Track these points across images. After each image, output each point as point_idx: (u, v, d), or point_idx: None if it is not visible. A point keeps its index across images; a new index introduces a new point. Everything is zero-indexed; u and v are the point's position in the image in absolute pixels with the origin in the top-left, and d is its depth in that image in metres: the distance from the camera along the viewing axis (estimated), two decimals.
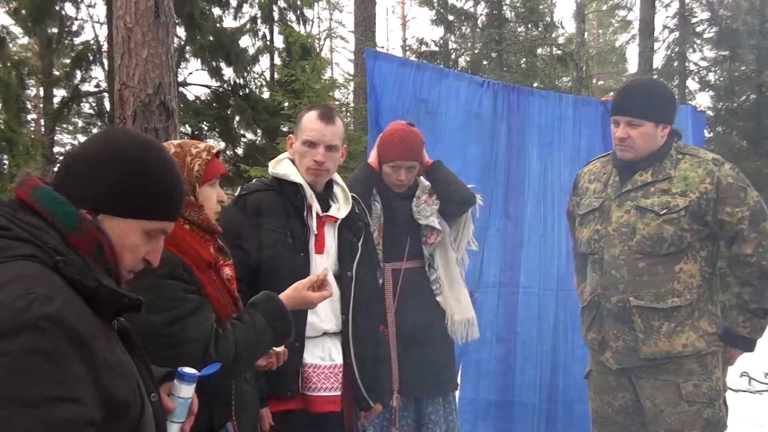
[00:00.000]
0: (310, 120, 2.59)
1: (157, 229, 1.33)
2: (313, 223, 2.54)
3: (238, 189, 2.70)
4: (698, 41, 12.78)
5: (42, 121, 17.15)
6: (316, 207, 2.56)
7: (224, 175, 2.07)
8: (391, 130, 3.07)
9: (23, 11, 11.59)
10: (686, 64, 12.69)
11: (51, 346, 1.06)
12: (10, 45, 14.04)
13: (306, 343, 2.48)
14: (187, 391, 1.52)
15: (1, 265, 1.12)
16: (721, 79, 12.67)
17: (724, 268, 2.85)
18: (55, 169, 1.32)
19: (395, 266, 3.05)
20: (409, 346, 2.98)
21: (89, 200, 1.25)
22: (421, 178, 3.20)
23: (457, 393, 3.36)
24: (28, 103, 15.61)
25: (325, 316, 2.51)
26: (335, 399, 2.50)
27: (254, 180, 2.86)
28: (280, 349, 2.11)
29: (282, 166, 2.63)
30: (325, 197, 2.63)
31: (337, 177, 2.73)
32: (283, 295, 2.06)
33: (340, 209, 2.64)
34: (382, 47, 20.88)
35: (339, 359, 2.54)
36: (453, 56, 14.60)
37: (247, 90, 13.05)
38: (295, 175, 2.57)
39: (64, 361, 1.08)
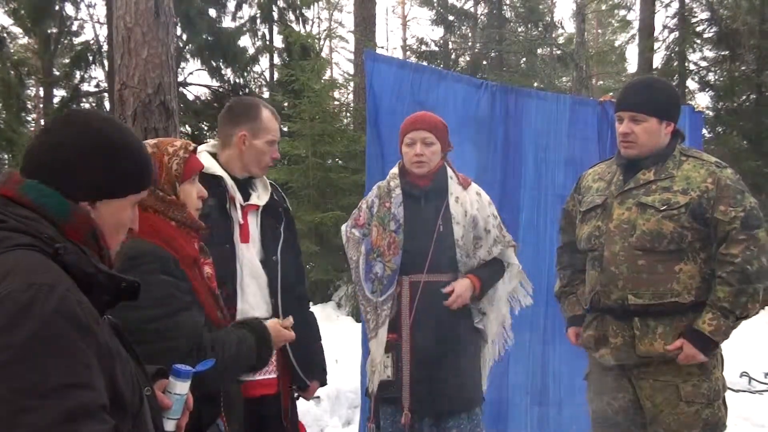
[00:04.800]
0: (271, 120, 2.63)
1: (141, 198, 1.39)
2: (238, 214, 2.55)
3: None
4: (698, 41, 12.77)
5: (42, 121, 17.16)
6: (238, 198, 2.56)
7: (202, 170, 2.11)
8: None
9: (23, 11, 11.59)
10: (686, 64, 12.68)
11: (57, 334, 1.06)
12: (10, 45, 14.06)
13: None
14: (182, 388, 1.53)
15: (2, 256, 1.12)
16: (721, 79, 12.67)
17: None
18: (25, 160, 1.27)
19: (414, 278, 2.88)
20: (426, 363, 2.86)
21: (89, 190, 1.27)
22: (454, 177, 3.05)
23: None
24: (28, 103, 15.61)
25: (255, 303, 2.51)
26: (271, 382, 2.53)
27: None
28: None
29: (201, 159, 2.61)
30: (244, 186, 2.64)
31: None
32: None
33: (260, 196, 2.65)
34: (382, 47, 20.95)
35: None
36: (453, 56, 14.61)
37: (247, 90, 13.04)
38: (216, 168, 2.57)
39: (72, 349, 1.07)
